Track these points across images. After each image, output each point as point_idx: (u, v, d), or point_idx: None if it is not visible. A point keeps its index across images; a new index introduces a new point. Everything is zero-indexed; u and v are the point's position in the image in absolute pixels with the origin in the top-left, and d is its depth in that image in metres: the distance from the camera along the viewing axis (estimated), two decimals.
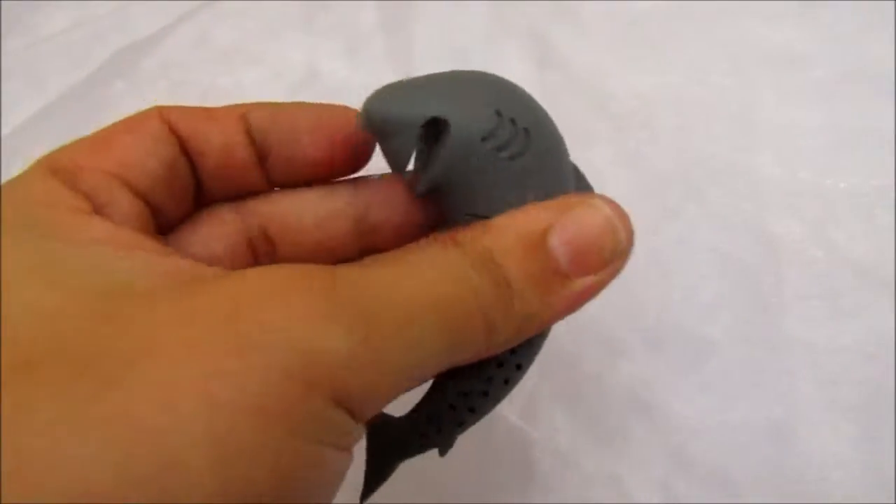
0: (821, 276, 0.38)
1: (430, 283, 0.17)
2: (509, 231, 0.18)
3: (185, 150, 0.21)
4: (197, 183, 0.22)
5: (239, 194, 0.23)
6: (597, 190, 0.42)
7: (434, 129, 0.19)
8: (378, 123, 0.19)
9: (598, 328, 0.38)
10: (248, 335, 0.14)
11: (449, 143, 0.18)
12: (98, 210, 0.19)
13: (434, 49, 0.49)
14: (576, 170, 0.22)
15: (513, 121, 0.19)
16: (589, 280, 0.19)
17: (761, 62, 0.44)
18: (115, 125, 0.21)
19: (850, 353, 0.36)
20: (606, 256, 0.19)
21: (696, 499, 0.34)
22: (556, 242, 0.18)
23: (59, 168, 0.19)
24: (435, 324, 0.17)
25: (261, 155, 0.22)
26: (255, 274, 0.16)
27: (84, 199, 0.18)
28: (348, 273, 0.17)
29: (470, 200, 0.19)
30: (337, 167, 0.23)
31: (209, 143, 0.21)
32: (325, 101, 0.48)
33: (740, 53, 0.45)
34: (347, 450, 0.17)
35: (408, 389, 0.18)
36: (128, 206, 0.19)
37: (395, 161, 0.19)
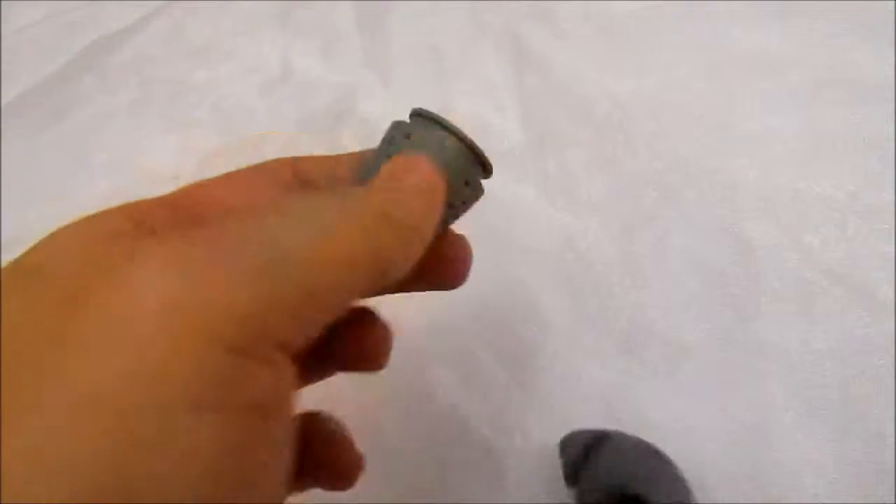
0: (795, 281, 0.38)
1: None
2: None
3: None
4: None
5: None
6: (573, 193, 0.42)
7: None
8: None
9: (570, 332, 0.38)
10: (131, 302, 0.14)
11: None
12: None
13: (411, 49, 0.48)
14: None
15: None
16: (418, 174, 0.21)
17: (738, 67, 0.44)
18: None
19: (823, 357, 0.36)
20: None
21: None
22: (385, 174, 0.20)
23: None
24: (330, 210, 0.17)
25: None
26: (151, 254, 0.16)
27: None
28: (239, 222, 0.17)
29: None
30: None
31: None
32: (297, 97, 0.48)
33: (717, 58, 0.45)
34: (274, 407, 0.16)
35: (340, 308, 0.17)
36: None
37: None
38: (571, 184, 0.42)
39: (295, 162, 0.23)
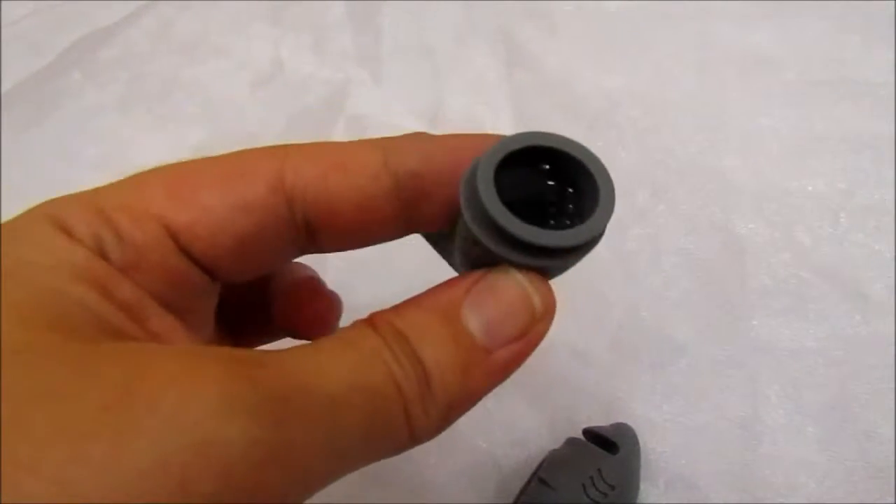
0: (787, 279, 0.38)
1: (349, 368, 0.15)
2: (421, 309, 0.17)
3: (294, 211, 0.19)
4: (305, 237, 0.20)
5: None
6: None
7: None
8: None
9: (562, 332, 0.38)
10: (129, 419, 0.13)
11: None
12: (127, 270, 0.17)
13: (403, 47, 0.48)
14: None
15: None
16: (510, 350, 0.18)
17: (730, 65, 0.44)
18: (217, 163, 0.20)
19: (815, 356, 0.36)
20: (524, 324, 0.18)
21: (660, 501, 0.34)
22: (470, 316, 0.17)
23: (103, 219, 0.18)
24: (353, 413, 0.15)
25: (407, 203, 0.19)
26: (163, 352, 0.15)
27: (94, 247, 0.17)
28: (263, 356, 0.15)
29: None
30: None
31: (342, 203, 0.19)
32: (288, 94, 0.47)
33: (710, 56, 0.45)
34: None
35: (322, 487, 0.15)
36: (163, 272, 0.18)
37: None
38: None
39: (283, 163, 0.19)
